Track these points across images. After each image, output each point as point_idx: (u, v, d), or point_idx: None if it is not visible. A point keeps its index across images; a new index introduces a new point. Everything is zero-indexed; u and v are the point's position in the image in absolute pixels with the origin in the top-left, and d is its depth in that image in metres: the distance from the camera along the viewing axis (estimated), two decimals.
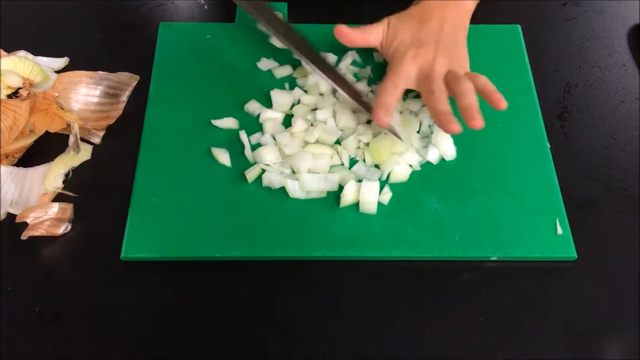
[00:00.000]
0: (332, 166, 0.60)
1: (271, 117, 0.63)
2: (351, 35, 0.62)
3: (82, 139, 0.61)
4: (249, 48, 0.68)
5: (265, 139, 0.61)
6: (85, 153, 0.61)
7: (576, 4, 0.76)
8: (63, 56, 0.68)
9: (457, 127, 0.54)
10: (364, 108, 0.61)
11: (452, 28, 0.61)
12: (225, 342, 0.52)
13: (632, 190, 0.61)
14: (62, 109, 0.60)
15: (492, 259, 0.55)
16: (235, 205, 0.57)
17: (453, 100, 0.56)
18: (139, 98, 0.64)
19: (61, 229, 0.56)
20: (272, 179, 0.58)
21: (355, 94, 0.61)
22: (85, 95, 0.61)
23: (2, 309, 0.53)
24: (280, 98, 0.63)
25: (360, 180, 0.58)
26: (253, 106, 0.64)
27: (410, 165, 0.60)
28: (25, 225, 0.55)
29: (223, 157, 0.60)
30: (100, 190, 0.59)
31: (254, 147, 0.61)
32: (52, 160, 0.59)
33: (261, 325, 0.52)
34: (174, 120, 0.63)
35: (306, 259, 0.55)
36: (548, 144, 0.62)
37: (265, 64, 0.67)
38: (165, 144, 0.61)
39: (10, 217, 0.57)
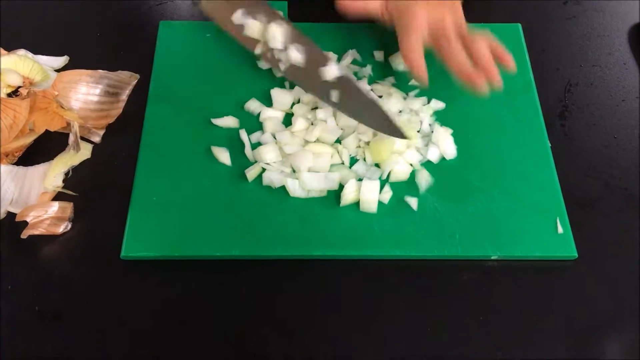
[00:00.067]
0: (332, 165, 0.59)
1: (271, 116, 0.63)
2: (351, 5, 0.61)
3: (82, 138, 0.61)
4: None
5: (265, 137, 0.61)
6: (85, 152, 0.61)
7: (577, 3, 0.76)
8: (63, 55, 0.68)
9: (482, 81, 0.56)
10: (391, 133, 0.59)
11: None
12: (225, 341, 0.52)
13: (633, 189, 0.61)
14: (62, 107, 0.60)
15: (492, 258, 0.55)
16: (235, 204, 0.57)
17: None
18: (139, 97, 0.64)
19: (61, 228, 0.56)
20: (273, 178, 0.58)
21: (380, 119, 0.59)
22: (85, 94, 0.61)
23: (2, 307, 0.53)
24: (281, 97, 0.63)
25: (360, 179, 0.58)
26: (253, 105, 0.64)
27: (411, 164, 0.60)
28: (25, 224, 0.55)
29: (223, 156, 0.60)
30: (100, 189, 0.59)
31: (254, 146, 0.61)
32: (52, 159, 0.59)
33: (261, 324, 0.52)
34: (174, 119, 0.63)
35: (306, 258, 0.55)
36: (548, 142, 0.62)
37: (265, 62, 0.67)
38: (166, 142, 0.61)
39: (10, 215, 0.57)
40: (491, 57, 0.57)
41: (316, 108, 0.63)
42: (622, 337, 0.53)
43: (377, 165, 0.60)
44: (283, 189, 0.58)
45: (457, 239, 0.56)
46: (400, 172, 0.59)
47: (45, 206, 0.56)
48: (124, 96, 0.63)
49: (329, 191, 0.58)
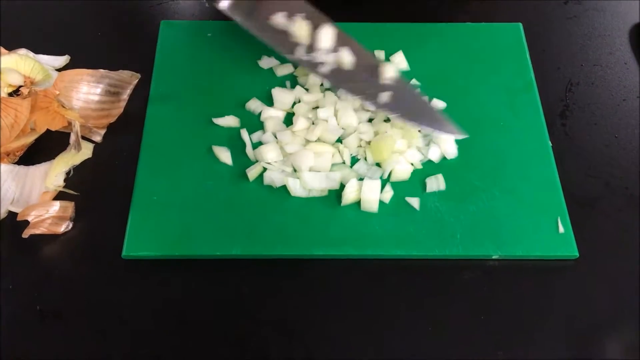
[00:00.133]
0: (333, 164, 0.59)
1: (272, 116, 0.63)
2: None
3: (83, 137, 0.61)
4: (250, 46, 0.68)
5: (266, 137, 0.61)
6: (86, 151, 0.61)
7: (577, 3, 0.76)
8: (64, 54, 0.68)
9: None
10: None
11: None
12: (225, 340, 0.52)
13: (633, 188, 0.60)
14: (63, 107, 0.60)
15: (493, 257, 0.55)
16: (236, 203, 0.57)
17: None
18: (140, 96, 0.64)
19: (62, 227, 0.56)
20: (273, 178, 0.58)
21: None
22: (87, 94, 0.61)
23: (3, 307, 0.53)
24: (282, 96, 0.63)
25: (361, 179, 0.58)
26: (254, 104, 0.64)
27: (412, 164, 0.60)
28: (26, 223, 0.55)
29: (224, 155, 0.60)
30: (102, 188, 0.59)
31: (255, 146, 0.61)
32: (53, 158, 0.59)
33: (261, 324, 0.52)
34: (175, 118, 0.63)
35: (307, 257, 0.55)
36: (549, 142, 0.62)
37: (266, 62, 0.67)
38: (166, 142, 0.61)
39: (12, 215, 0.57)
40: None
41: (317, 107, 0.63)
42: (623, 337, 0.53)
43: (378, 164, 0.60)
44: (284, 188, 0.58)
45: (458, 239, 0.56)
46: (402, 172, 0.59)
47: (47, 205, 0.56)
48: (125, 95, 0.63)
49: (330, 191, 0.58)
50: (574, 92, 0.68)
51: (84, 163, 0.61)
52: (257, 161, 0.60)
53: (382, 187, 0.58)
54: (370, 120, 0.63)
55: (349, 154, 0.60)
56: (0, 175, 0.57)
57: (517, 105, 0.65)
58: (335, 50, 0.60)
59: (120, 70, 0.64)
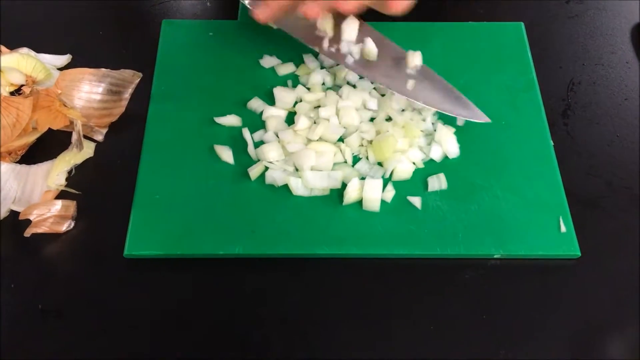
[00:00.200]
0: (335, 164, 0.59)
1: (274, 115, 0.63)
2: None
3: (85, 137, 0.61)
4: (251, 45, 0.68)
5: (268, 136, 0.61)
6: (88, 150, 0.61)
7: (579, 2, 0.76)
8: (66, 53, 0.68)
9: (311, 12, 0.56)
10: None
11: None
12: (227, 339, 0.52)
13: (636, 188, 0.60)
14: (65, 106, 0.60)
15: (495, 256, 0.55)
16: (238, 202, 0.57)
17: None
18: (141, 95, 0.64)
19: (64, 226, 0.56)
20: (275, 177, 0.58)
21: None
22: (88, 93, 0.61)
23: (5, 306, 0.53)
24: (283, 95, 0.63)
25: (363, 178, 0.58)
26: (256, 104, 0.64)
27: (414, 163, 0.60)
28: (28, 222, 0.56)
29: (226, 154, 0.60)
30: (103, 187, 0.59)
31: (257, 145, 0.61)
32: (55, 157, 0.59)
33: (264, 323, 0.52)
34: (177, 117, 0.63)
35: (309, 256, 0.55)
36: (551, 141, 0.62)
37: (268, 61, 0.67)
38: (168, 141, 0.61)
39: (14, 214, 0.57)
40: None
41: (318, 106, 0.63)
42: (626, 336, 0.53)
43: (379, 163, 0.60)
44: (286, 187, 0.58)
45: (460, 238, 0.56)
46: (403, 171, 0.59)
47: (49, 204, 0.56)
48: (127, 95, 0.63)
49: (331, 190, 0.58)
50: (575, 91, 0.68)
51: (86, 162, 0.61)
52: (258, 160, 0.60)
53: (384, 186, 0.58)
54: (372, 119, 0.63)
55: (351, 153, 0.60)
56: (2, 174, 0.57)
57: (519, 104, 0.65)
58: (359, 41, 0.62)
59: (122, 70, 0.64)
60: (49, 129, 0.60)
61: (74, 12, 0.73)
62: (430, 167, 0.60)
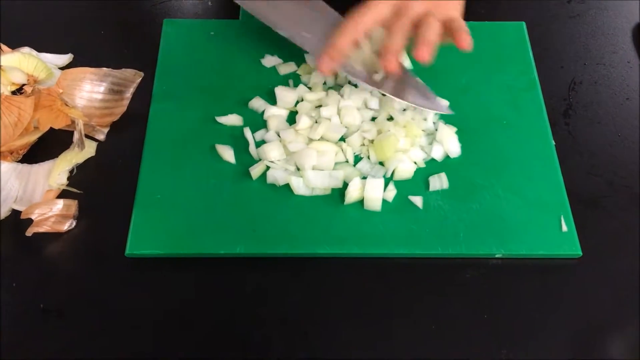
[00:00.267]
0: (336, 163, 0.59)
1: (275, 114, 0.63)
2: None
3: (87, 136, 0.61)
4: (253, 45, 0.68)
5: (269, 135, 0.61)
6: (89, 150, 0.61)
7: (581, 1, 0.76)
8: (67, 53, 0.68)
9: (391, 65, 0.55)
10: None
11: None
12: (228, 338, 0.52)
13: (637, 187, 0.60)
14: (67, 105, 0.60)
15: (496, 256, 0.55)
16: (239, 202, 0.57)
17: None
18: (143, 95, 0.64)
19: (66, 226, 0.56)
20: (277, 176, 0.58)
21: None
22: (90, 92, 0.61)
23: (6, 305, 0.53)
24: (285, 95, 0.63)
25: (364, 177, 0.58)
26: (257, 103, 0.64)
27: (415, 163, 0.60)
28: (29, 221, 0.56)
29: (227, 154, 0.60)
30: (105, 186, 0.59)
31: (259, 144, 0.61)
32: (57, 156, 0.59)
33: (265, 322, 0.52)
34: (178, 117, 0.63)
35: (310, 255, 0.55)
36: (553, 141, 0.62)
37: (269, 60, 0.67)
38: (170, 140, 0.61)
39: (15, 213, 0.57)
40: (431, 33, 0.54)
41: (320, 106, 0.63)
42: (627, 336, 0.53)
43: (381, 163, 0.60)
44: (287, 187, 0.58)
45: (462, 237, 0.56)
46: (405, 171, 0.59)
47: (50, 204, 0.56)
48: (128, 94, 0.63)
49: (333, 189, 0.58)
50: (577, 90, 0.68)
51: (88, 161, 0.61)
52: (260, 160, 0.60)
53: (385, 185, 0.58)
54: (373, 119, 0.63)
55: (352, 152, 0.60)
56: (4, 174, 0.58)
57: (520, 103, 0.65)
58: None
59: (124, 69, 0.64)
60: (51, 128, 0.60)
61: (75, 11, 0.73)
62: (432, 166, 0.60)
